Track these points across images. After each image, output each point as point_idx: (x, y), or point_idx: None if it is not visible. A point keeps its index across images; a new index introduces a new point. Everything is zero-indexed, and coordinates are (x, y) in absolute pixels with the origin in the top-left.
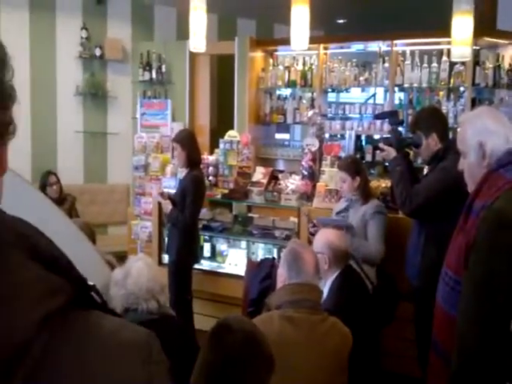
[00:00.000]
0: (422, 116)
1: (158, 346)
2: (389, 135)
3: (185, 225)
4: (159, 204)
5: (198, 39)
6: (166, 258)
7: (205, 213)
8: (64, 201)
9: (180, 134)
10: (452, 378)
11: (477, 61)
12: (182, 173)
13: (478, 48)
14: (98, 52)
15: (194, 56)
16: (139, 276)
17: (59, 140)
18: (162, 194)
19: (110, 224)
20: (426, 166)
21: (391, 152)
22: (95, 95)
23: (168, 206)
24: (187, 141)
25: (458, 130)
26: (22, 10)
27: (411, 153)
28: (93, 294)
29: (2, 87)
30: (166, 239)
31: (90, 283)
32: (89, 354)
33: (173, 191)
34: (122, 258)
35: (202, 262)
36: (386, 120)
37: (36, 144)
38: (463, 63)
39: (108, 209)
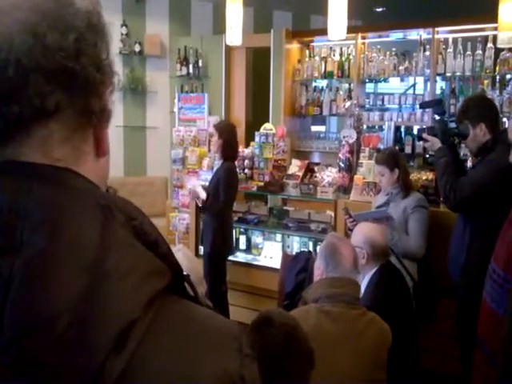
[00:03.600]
0: (471, 105)
1: (248, 340)
2: (432, 125)
3: (219, 212)
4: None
5: (235, 33)
6: (202, 249)
7: (240, 205)
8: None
9: (221, 123)
10: (499, 381)
11: None
12: (217, 165)
13: None
14: (137, 48)
15: (229, 49)
16: None
17: None
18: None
19: (149, 216)
20: (469, 158)
21: (436, 143)
22: (135, 90)
23: (199, 199)
24: (226, 131)
25: (505, 119)
26: None
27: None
28: (186, 283)
29: (93, 73)
30: (202, 231)
31: (185, 273)
32: (188, 338)
33: (205, 183)
34: None
35: (238, 254)
36: (427, 110)
37: None
38: (510, 49)
39: (147, 201)
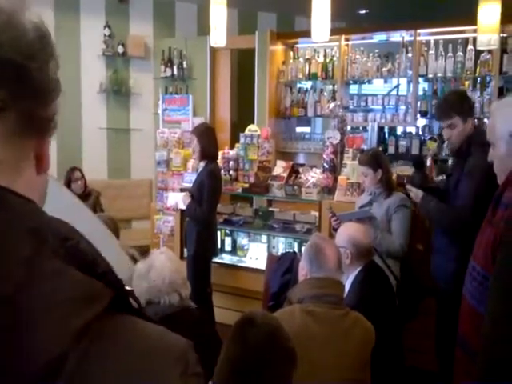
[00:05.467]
0: (462, 100)
1: (195, 357)
2: (413, 175)
3: (203, 218)
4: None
5: (219, 34)
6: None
7: (225, 207)
8: (89, 196)
9: (198, 127)
10: (478, 380)
11: (504, 48)
12: (200, 167)
13: (505, 35)
14: (120, 49)
15: (214, 51)
16: (162, 269)
17: (84, 137)
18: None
19: (133, 218)
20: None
21: (418, 193)
22: (118, 92)
23: (186, 201)
24: (203, 134)
25: (486, 119)
26: (46, 10)
27: (435, 144)
28: (130, 299)
29: (44, 80)
30: (185, 233)
31: (128, 288)
32: (127, 363)
33: (189, 185)
34: (145, 252)
35: (223, 255)
36: (409, 111)
37: (61, 141)
38: (490, 51)
39: (132, 203)
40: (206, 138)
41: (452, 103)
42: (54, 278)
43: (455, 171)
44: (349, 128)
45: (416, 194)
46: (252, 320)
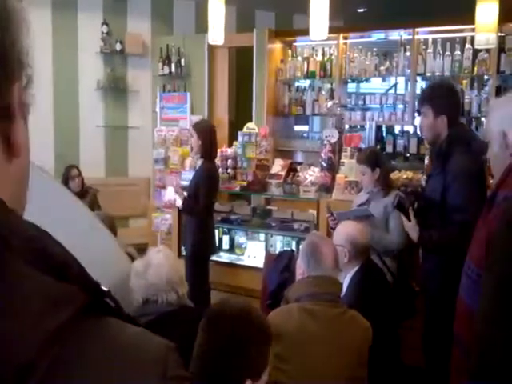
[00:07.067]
0: (438, 93)
1: (177, 360)
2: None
3: (198, 215)
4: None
5: (217, 32)
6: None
7: (223, 205)
8: (86, 194)
9: (200, 123)
10: (470, 379)
11: (502, 47)
12: (197, 165)
13: (503, 34)
14: (118, 47)
15: (212, 49)
16: (159, 267)
17: (81, 134)
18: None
19: (131, 216)
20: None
21: (414, 234)
22: (116, 90)
23: (179, 201)
24: (204, 131)
25: (483, 119)
26: (44, 8)
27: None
28: (107, 300)
29: (4, 58)
30: (184, 231)
31: (105, 288)
32: (100, 370)
33: (186, 183)
34: (142, 250)
35: (221, 254)
36: (407, 110)
37: (59, 138)
38: (487, 50)
39: (129, 202)
40: (207, 135)
41: (427, 92)
42: (15, 284)
43: (435, 172)
44: (347, 127)
45: (413, 237)
46: (221, 312)
